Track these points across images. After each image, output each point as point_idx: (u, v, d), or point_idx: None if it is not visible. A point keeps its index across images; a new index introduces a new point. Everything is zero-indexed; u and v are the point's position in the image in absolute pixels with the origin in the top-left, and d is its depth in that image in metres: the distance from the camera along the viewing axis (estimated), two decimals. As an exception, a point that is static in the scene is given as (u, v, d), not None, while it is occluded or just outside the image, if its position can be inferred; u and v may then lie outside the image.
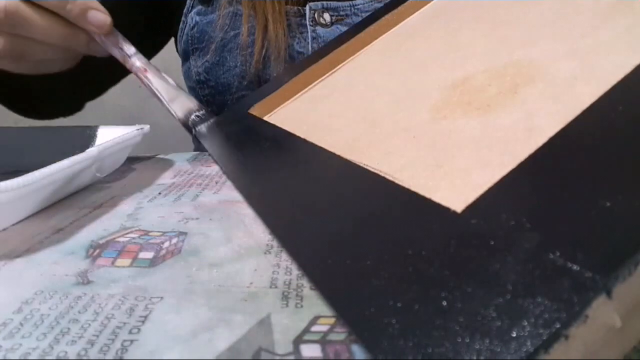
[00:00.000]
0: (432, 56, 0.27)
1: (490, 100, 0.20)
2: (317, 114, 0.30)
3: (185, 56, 0.50)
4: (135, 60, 0.39)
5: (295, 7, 0.46)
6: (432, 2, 0.35)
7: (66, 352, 0.13)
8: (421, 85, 0.25)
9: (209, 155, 0.36)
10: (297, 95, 0.35)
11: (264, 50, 0.45)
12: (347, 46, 0.35)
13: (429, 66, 0.27)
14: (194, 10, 0.48)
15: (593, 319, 0.10)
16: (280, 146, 0.28)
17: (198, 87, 0.49)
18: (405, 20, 0.35)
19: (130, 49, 0.39)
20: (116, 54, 0.39)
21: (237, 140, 0.34)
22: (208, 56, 0.47)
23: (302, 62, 0.38)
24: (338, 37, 0.38)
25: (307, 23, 0.46)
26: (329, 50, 0.36)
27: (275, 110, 0.34)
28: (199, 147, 0.56)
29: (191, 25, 0.48)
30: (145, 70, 0.39)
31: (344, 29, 0.45)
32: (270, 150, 0.28)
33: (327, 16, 0.46)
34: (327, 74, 0.35)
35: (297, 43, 0.46)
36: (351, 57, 0.35)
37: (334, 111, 0.29)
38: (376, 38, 0.35)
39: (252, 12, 0.45)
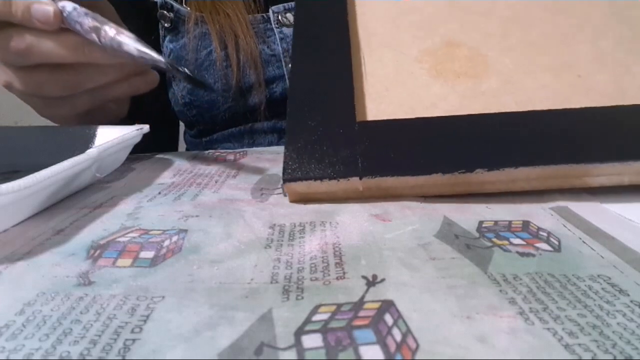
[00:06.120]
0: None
1: None
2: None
3: (168, 82, 0.51)
4: (107, 29, 0.32)
5: (259, 15, 0.48)
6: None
7: (69, 352, 0.13)
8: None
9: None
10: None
11: (241, 62, 0.47)
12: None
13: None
14: (167, 39, 0.49)
15: None
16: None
17: (185, 110, 0.50)
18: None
19: (95, 19, 0.32)
20: (91, 37, 0.32)
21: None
22: None
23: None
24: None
25: (273, 26, 0.48)
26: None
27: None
28: (190, 145, 0.56)
29: (167, 53, 0.49)
30: (122, 33, 0.32)
31: None
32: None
33: (290, 16, 0.48)
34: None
35: (268, 47, 0.48)
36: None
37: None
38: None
39: (219, 29, 0.47)
